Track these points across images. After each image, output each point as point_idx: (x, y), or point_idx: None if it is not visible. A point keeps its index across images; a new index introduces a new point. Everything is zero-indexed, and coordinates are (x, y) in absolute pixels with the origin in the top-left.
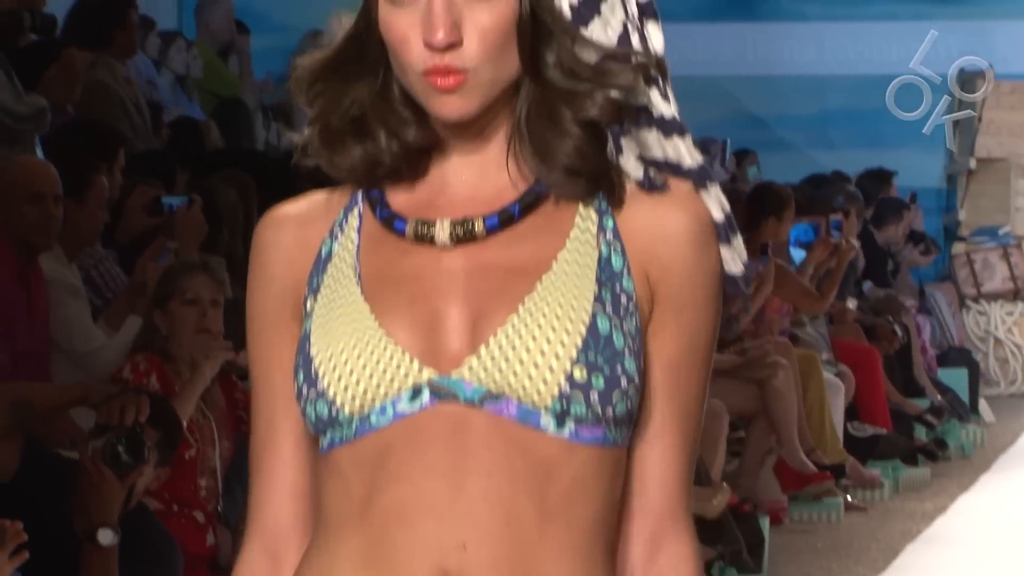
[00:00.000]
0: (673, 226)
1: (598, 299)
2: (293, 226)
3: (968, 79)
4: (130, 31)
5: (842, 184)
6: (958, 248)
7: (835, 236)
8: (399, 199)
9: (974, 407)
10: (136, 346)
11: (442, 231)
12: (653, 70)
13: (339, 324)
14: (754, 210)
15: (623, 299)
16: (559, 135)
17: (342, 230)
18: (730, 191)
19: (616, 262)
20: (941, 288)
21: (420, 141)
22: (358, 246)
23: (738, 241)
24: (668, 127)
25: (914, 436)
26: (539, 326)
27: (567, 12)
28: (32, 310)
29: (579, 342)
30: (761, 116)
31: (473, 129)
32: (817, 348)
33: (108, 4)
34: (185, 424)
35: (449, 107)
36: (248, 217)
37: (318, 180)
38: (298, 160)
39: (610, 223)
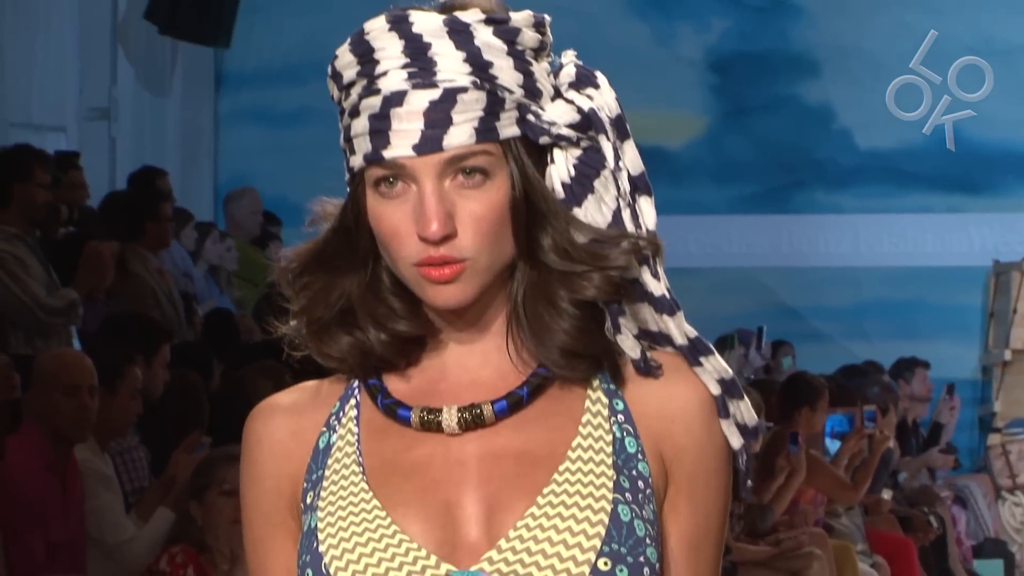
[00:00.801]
0: (681, 405)
1: (617, 487)
2: (286, 417)
3: (1003, 271)
4: (163, 224)
5: (877, 375)
6: (993, 439)
7: (869, 427)
8: (398, 387)
9: None
10: (172, 537)
11: (450, 418)
12: (646, 249)
13: (348, 519)
14: (788, 400)
15: (640, 484)
16: (557, 317)
17: (340, 421)
18: (765, 382)
19: (630, 445)
20: (976, 479)
21: (411, 332)
22: (359, 436)
23: (740, 408)
24: (659, 305)
25: None
26: (561, 517)
27: (560, 191)
28: (67, 501)
29: (602, 533)
30: (797, 307)
31: (470, 315)
32: (852, 539)
33: (141, 197)
34: None
35: (445, 296)
36: None
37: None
38: (287, 351)
39: (620, 405)
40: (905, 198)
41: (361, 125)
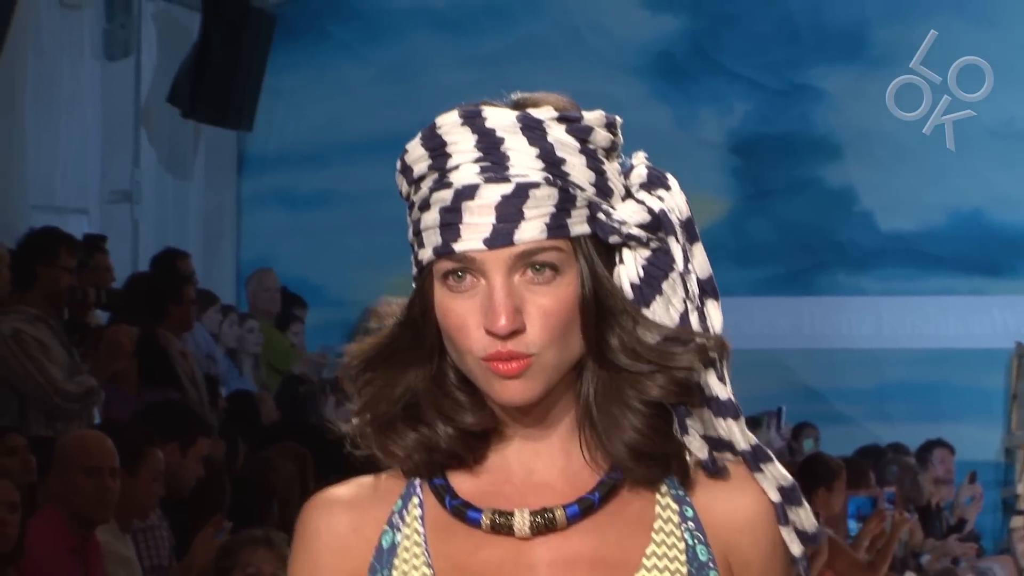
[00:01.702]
0: (749, 517)
1: None
2: (346, 512)
3: (1023, 352)
4: (186, 306)
5: (898, 456)
6: (1016, 521)
7: (889, 508)
8: (464, 486)
9: None
10: None
11: (522, 521)
12: (713, 352)
13: None
14: (805, 481)
15: None
16: (627, 416)
17: (403, 520)
18: (785, 464)
19: (702, 553)
20: (999, 561)
21: (479, 425)
22: (425, 537)
23: (799, 514)
24: (723, 409)
25: None
26: None
27: (628, 292)
28: None
29: None
30: (819, 389)
31: (536, 412)
32: None
33: (164, 280)
34: None
35: (512, 392)
36: (304, 490)
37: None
38: (349, 450)
39: (690, 511)
40: (927, 280)
41: (431, 218)
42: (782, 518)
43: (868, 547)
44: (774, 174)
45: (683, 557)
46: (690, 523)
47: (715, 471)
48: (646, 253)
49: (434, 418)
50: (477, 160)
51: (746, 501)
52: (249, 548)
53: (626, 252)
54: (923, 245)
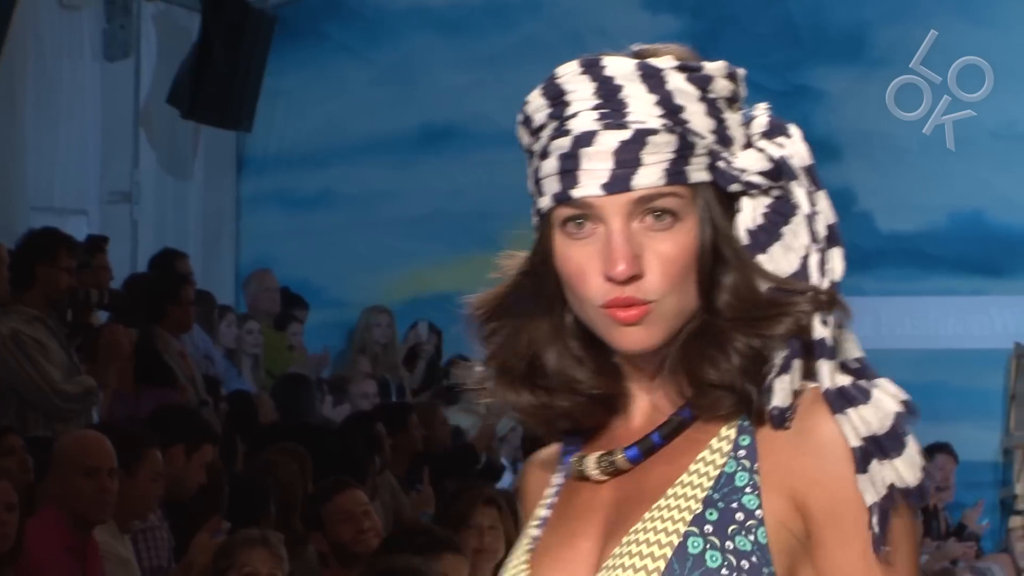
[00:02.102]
0: (813, 440)
1: (696, 520)
2: (536, 471)
3: (1022, 353)
4: (185, 307)
5: None
6: (1015, 521)
7: None
8: (597, 436)
9: None
10: None
11: (592, 467)
12: (824, 300)
13: (508, 571)
14: None
15: (739, 516)
16: (723, 358)
17: (558, 469)
18: None
19: (740, 479)
20: (999, 560)
21: (596, 389)
22: (560, 486)
23: (893, 467)
24: (819, 348)
25: None
26: (629, 555)
27: (745, 238)
28: None
29: (662, 567)
30: None
31: (656, 359)
32: None
33: (163, 280)
34: None
35: (632, 339)
36: (303, 491)
37: (372, 451)
38: (477, 397)
39: (747, 440)
40: (926, 281)
41: (550, 166)
42: (860, 464)
43: None
44: None
45: (709, 484)
46: (741, 451)
47: (780, 423)
48: (767, 200)
49: (554, 380)
50: (596, 107)
51: (810, 424)
52: (246, 548)
53: (744, 200)
54: (922, 246)
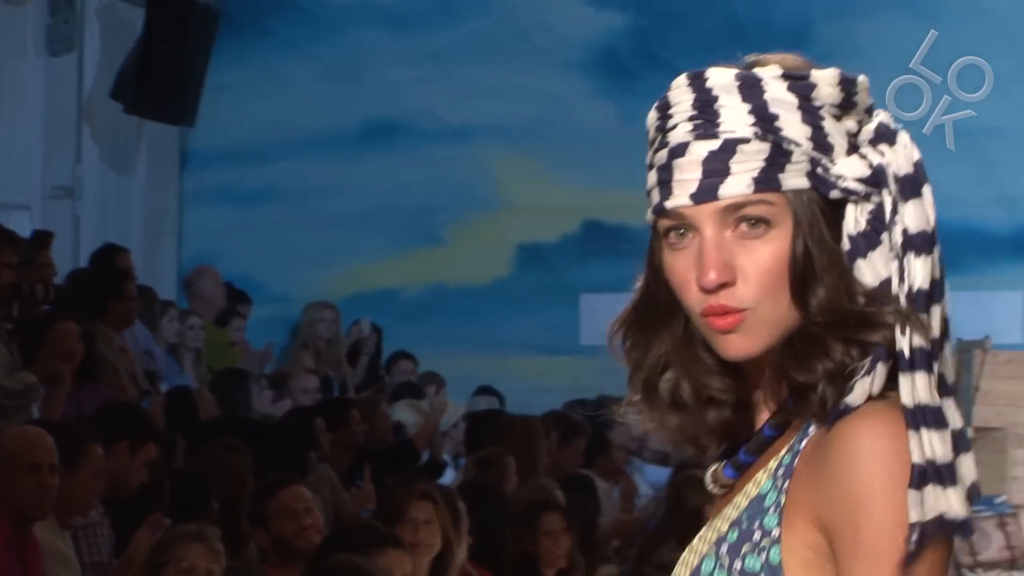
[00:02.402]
0: (837, 448)
1: (719, 540)
2: None
3: (965, 349)
4: (127, 303)
5: None
6: None
7: None
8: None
9: None
10: None
11: (709, 481)
12: (907, 316)
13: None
14: None
15: (756, 536)
16: (813, 360)
17: None
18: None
19: (769, 498)
20: None
21: (725, 388)
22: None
23: (942, 495)
24: (900, 361)
25: None
26: (679, 572)
27: (846, 243)
28: None
29: None
30: None
31: (765, 365)
32: None
33: (104, 276)
34: None
35: (733, 346)
36: (241, 486)
37: (312, 447)
38: (623, 419)
39: (788, 459)
40: None
41: (652, 178)
42: (916, 481)
43: None
44: None
45: (745, 504)
46: (781, 470)
47: (829, 420)
48: (869, 207)
49: (690, 392)
50: (691, 119)
51: (834, 440)
52: (182, 544)
53: (849, 207)
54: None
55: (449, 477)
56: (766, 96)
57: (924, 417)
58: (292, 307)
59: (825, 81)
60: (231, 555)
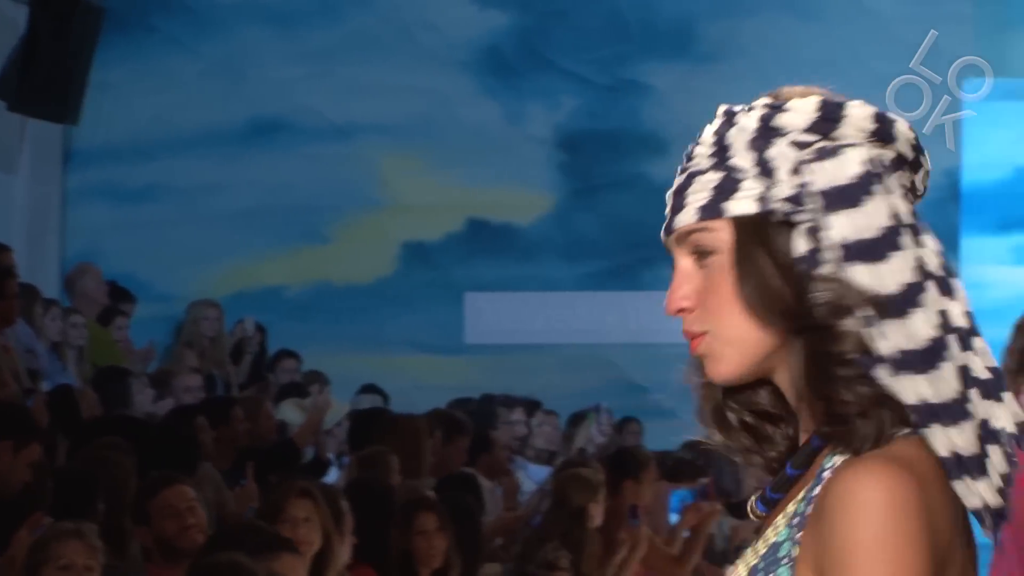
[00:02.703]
0: (831, 490)
1: None
2: None
3: None
4: (9, 300)
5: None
6: None
7: (701, 500)
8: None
9: None
10: None
11: (750, 510)
12: (856, 309)
13: None
14: (614, 473)
15: None
16: (829, 383)
17: None
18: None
19: (783, 548)
20: None
21: (773, 404)
22: None
23: (974, 488)
24: (895, 362)
25: None
26: None
27: (800, 263)
28: None
29: None
30: (645, 384)
31: (791, 392)
32: None
33: None
34: None
35: (711, 370)
36: (126, 484)
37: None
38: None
39: (802, 508)
40: None
41: None
42: (954, 471)
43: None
44: (601, 169)
45: (763, 551)
46: (796, 519)
47: (829, 439)
48: (806, 226)
49: (746, 412)
50: (687, 155)
51: (829, 487)
52: (60, 542)
53: (797, 226)
54: None
55: (333, 476)
56: (732, 128)
57: (942, 412)
58: (176, 305)
59: (797, 107)
60: (115, 554)
